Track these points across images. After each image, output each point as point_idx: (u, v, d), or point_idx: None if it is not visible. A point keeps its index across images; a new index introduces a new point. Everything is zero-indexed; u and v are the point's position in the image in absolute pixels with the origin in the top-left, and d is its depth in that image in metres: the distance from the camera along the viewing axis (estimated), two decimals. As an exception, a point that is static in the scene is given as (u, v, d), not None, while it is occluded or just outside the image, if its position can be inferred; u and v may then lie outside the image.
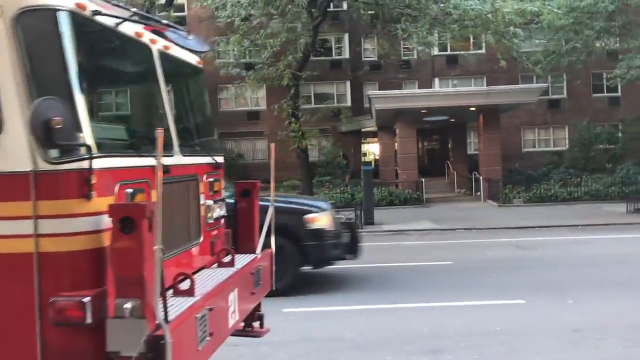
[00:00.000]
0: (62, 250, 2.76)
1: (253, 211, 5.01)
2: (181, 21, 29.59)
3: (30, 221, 2.74)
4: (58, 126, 2.61)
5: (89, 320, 2.67)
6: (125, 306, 2.62)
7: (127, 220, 2.61)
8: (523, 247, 12.74)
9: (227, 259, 4.43)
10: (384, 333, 6.37)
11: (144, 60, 3.74)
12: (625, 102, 31.55)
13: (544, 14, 15.88)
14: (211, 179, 4.47)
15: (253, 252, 4.86)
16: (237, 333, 4.71)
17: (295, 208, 8.74)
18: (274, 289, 5.05)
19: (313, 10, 15.74)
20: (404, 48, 32.37)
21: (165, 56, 3.95)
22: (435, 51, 32.47)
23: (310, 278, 9.37)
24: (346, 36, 33.35)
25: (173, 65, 4.19)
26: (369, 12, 17.80)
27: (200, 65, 4.78)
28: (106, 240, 2.78)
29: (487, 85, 29.11)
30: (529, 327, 6.44)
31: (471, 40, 28.81)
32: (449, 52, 32.78)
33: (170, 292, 3.41)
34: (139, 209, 2.68)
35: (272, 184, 5.00)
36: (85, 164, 2.77)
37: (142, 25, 3.76)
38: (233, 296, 3.94)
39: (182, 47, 4.00)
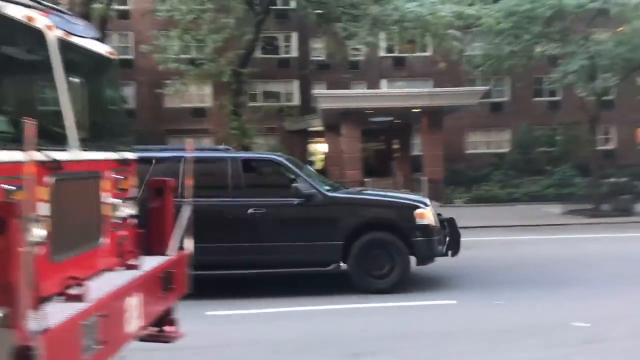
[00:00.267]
0: None
1: (166, 210, 4.77)
2: (124, 14, 28.92)
3: None
4: None
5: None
6: (-8, 315, 2.39)
7: (-4, 220, 2.37)
8: (467, 247, 12.82)
9: (134, 261, 4.19)
10: (309, 336, 6.23)
11: (36, 47, 3.47)
12: (564, 106, 32.45)
13: (484, 18, 16.18)
14: (118, 176, 4.21)
15: (166, 253, 4.63)
16: (147, 338, 4.48)
17: (404, 203, 8.56)
18: (188, 292, 4.83)
19: (256, 6, 15.53)
20: (352, 49, 32.53)
21: (66, 44, 3.68)
22: (383, 52, 32.86)
23: (237, 280, 9.18)
24: (295, 35, 33.20)
25: (77, 55, 3.92)
26: (316, 11, 17.71)
27: (113, 57, 4.51)
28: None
29: (433, 88, 29.52)
30: (457, 328, 6.43)
31: (417, 43, 29.11)
32: (396, 54, 33.11)
33: (61, 297, 3.18)
34: (9, 207, 2.43)
35: (190, 182, 4.80)
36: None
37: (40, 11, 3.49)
38: (136, 301, 3.72)
39: (67, 32, 3.72)
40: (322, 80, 32.62)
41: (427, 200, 8.85)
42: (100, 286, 3.55)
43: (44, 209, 3.11)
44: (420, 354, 5.61)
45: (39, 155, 2.51)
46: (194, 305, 7.10)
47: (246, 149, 16.30)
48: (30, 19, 3.33)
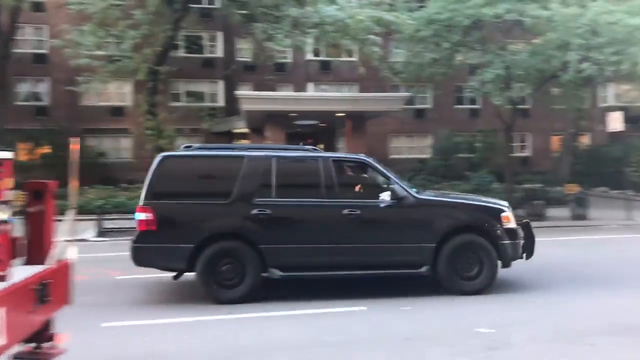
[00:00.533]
0: None
1: (47, 216, 4.37)
2: (39, 7, 27.42)
3: None
4: None
5: None
6: None
7: None
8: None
9: (1, 272, 3.78)
10: (207, 348, 5.94)
11: None
12: (483, 114, 33.50)
13: (404, 25, 16.38)
14: (-16, 178, 3.80)
15: (44, 262, 4.24)
16: (21, 356, 4.09)
17: (492, 206, 8.50)
18: (69, 303, 4.45)
19: (174, 3, 15.00)
20: (279, 51, 32.32)
21: None
22: (310, 56, 32.87)
23: (132, 288, 8.75)
24: (220, 34, 32.62)
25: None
26: (239, 11, 17.36)
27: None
28: None
29: (359, 93, 29.69)
30: (362, 335, 6.32)
31: (342, 48, 29.25)
32: (323, 58, 33.20)
33: None
34: None
35: (74, 185, 4.42)
36: None
37: None
38: (-4, 317, 3.33)
39: None
40: (248, 82, 32.21)
41: (507, 204, 8.84)
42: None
43: None
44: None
45: None
46: (90, 315, 6.71)
47: (161, 150, 15.71)
48: None
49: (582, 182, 22.84)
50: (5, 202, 4.12)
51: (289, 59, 32.95)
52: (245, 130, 28.64)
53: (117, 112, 30.31)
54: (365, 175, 8.81)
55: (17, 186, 4.54)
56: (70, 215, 4.38)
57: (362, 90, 30.87)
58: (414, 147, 35.04)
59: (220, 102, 32.54)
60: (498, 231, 8.14)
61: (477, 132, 32.95)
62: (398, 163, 33.03)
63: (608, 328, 6.46)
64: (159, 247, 7.63)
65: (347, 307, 7.48)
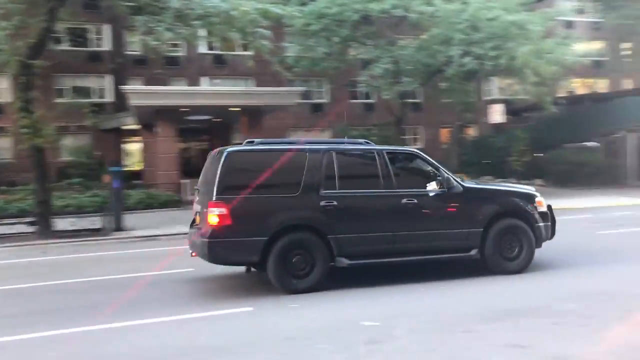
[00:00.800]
0: None
1: None
2: None
3: None
4: None
5: None
6: None
7: None
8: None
9: None
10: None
11: None
12: (378, 108, 34.28)
13: (294, 19, 16.28)
14: None
15: None
16: None
17: (528, 192, 9.27)
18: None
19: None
20: (172, 44, 31.28)
21: None
22: (204, 49, 32.09)
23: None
24: (107, 27, 31.07)
25: None
26: (124, 2, 16.45)
27: None
28: None
29: (255, 87, 29.34)
30: (243, 338, 6.09)
31: (237, 41, 28.73)
32: (217, 52, 32.52)
33: None
34: None
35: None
36: None
37: None
38: None
39: None
40: (139, 76, 30.95)
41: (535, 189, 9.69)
42: None
43: None
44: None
45: None
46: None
47: (39, 149, 14.68)
48: None
49: (469, 172, 23.89)
50: None
51: (182, 52, 32.01)
52: (135, 126, 27.51)
53: (-7, 109, 28.14)
54: (416, 166, 9.15)
55: None
56: None
57: (258, 85, 30.57)
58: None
59: (109, 97, 31.07)
60: (534, 215, 8.93)
61: (372, 125, 33.58)
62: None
63: (486, 314, 6.65)
64: (233, 241, 7.73)
65: (232, 309, 7.21)
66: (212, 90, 24.73)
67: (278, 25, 17.33)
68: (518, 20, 15.65)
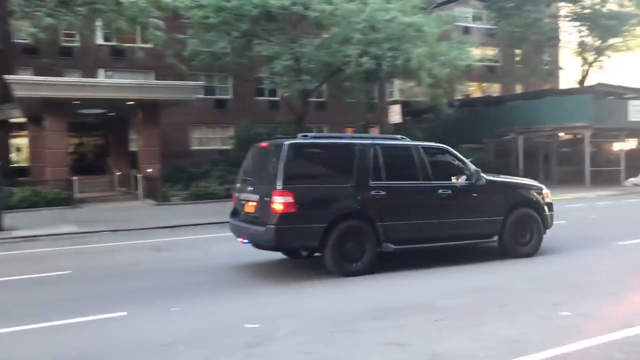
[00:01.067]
0: None
1: None
2: None
3: None
4: None
5: None
6: None
7: None
8: (161, 248, 12.18)
9: None
10: None
11: None
12: (283, 106, 34.15)
13: (191, 11, 15.74)
14: None
15: None
16: None
17: (538, 185, 10.39)
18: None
19: None
20: (66, 34, 29.53)
21: None
22: (100, 40, 30.58)
23: None
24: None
25: None
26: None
27: None
28: None
29: (155, 81, 28.22)
30: (113, 346, 5.66)
31: (136, 33, 27.58)
32: (116, 43, 30.98)
33: None
34: None
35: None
36: None
37: None
38: None
39: None
40: (28, 66, 28.99)
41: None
42: None
43: None
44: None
45: None
46: None
47: None
48: None
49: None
50: None
51: (77, 43, 30.32)
52: (22, 119, 25.71)
53: None
54: (446, 160, 9.77)
55: None
56: None
57: (158, 79, 29.44)
58: (216, 138, 34.52)
59: (-6, 88, 28.82)
60: (543, 205, 10.01)
61: (278, 123, 33.37)
62: (199, 154, 32.27)
63: (373, 313, 6.60)
64: (297, 227, 8.22)
65: (104, 315, 6.72)
66: (104, 83, 23.47)
67: (175, 17, 16.69)
68: (414, 22, 15.95)
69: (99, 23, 23.13)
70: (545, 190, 10.33)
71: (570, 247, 10.59)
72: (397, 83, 35.69)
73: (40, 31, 14.01)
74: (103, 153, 30.23)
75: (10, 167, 24.77)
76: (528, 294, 7.41)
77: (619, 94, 30.70)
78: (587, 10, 29.91)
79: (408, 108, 32.32)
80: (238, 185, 9.56)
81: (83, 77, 29.27)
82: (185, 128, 32.75)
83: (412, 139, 10.26)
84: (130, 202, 22.61)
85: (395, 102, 28.77)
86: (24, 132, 28.29)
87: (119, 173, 26.71)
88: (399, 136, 9.80)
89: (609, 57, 34.65)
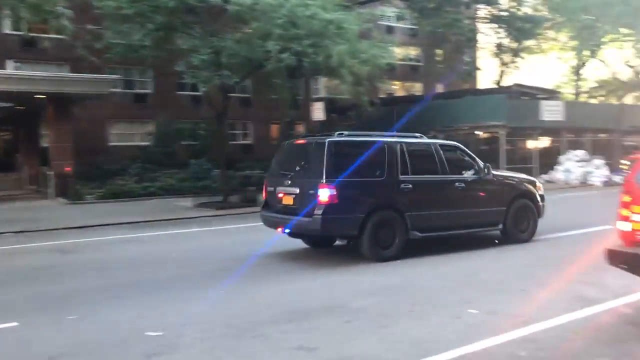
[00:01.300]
0: None
1: None
2: None
3: None
4: None
5: None
6: None
7: None
8: (67, 250, 11.49)
9: None
10: None
11: None
12: (205, 101, 33.34)
13: (106, 1, 14.98)
14: None
15: None
16: None
17: (533, 179, 11.69)
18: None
19: None
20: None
21: None
22: (8, 30, 28.80)
23: None
24: None
25: None
26: None
27: None
28: None
29: (69, 74, 26.81)
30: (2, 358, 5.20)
31: (50, 23, 26.08)
32: (26, 33, 29.31)
33: None
34: None
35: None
36: None
37: None
38: None
39: None
40: None
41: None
42: None
43: None
44: None
45: None
46: None
47: None
48: None
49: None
50: None
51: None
52: None
53: None
54: (457, 156, 10.74)
55: None
56: None
57: (73, 72, 28.01)
58: (135, 134, 33.28)
59: None
60: (537, 196, 11.17)
61: (201, 119, 32.56)
62: (117, 150, 31.00)
63: (283, 316, 6.39)
64: (340, 217, 9.05)
65: (-8, 325, 6.21)
66: (7, 74, 21.99)
67: (88, 8, 15.81)
68: (335, 19, 15.87)
69: (6, 11, 21.76)
70: (539, 184, 11.58)
71: (482, 244, 10.80)
72: (323, 80, 35.68)
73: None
74: (11, 149, 28.51)
75: None
76: (439, 292, 7.42)
77: (533, 95, 32.02)
78: (504, 13, 30.88)
79: (333, 105, 32.35)
80: (271, 179, 10.19)
81: (-10, 68, 27.50)
82: (103, 123, 31.38)
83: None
84: (40, 201, 21.40)
85: (319, 100, 28.72)
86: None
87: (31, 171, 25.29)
88: (418, 134, 10.60)
89: (523, 58, 36.02)
